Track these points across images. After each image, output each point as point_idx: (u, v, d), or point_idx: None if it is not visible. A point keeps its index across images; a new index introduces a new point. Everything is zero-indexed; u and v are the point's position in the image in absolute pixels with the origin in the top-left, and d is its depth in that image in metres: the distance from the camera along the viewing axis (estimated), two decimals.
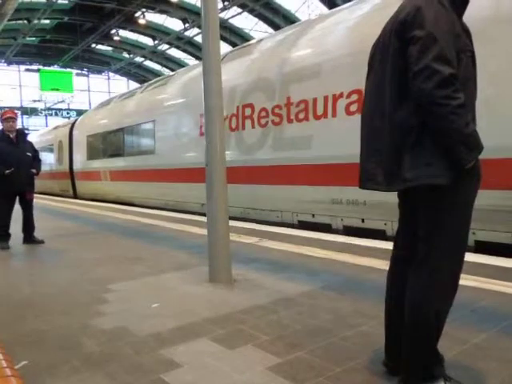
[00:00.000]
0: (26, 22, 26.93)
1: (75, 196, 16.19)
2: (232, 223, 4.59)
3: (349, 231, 5.88)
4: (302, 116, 6.44)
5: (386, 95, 1.73)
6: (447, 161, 1.60)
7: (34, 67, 33.78)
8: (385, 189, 1.74)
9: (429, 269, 1.71)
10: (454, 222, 1.69)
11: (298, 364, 2.08)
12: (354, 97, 5.66)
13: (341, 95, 5.84)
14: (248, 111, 7.45)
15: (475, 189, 1.71)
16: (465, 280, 3.22)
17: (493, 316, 2.59)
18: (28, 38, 30.27)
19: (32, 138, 17.69)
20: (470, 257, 3.93)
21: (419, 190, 1.69)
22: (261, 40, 8.59)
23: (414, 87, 1.59)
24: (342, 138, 5.80)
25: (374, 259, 4.08)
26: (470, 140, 1.58)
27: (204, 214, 4.32)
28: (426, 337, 1.70)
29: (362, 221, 5.73)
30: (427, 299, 1.70)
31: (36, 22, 26.34)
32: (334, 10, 7.48)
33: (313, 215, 6.46)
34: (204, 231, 4.33)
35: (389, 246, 4.54)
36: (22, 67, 35.69)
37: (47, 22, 28.98)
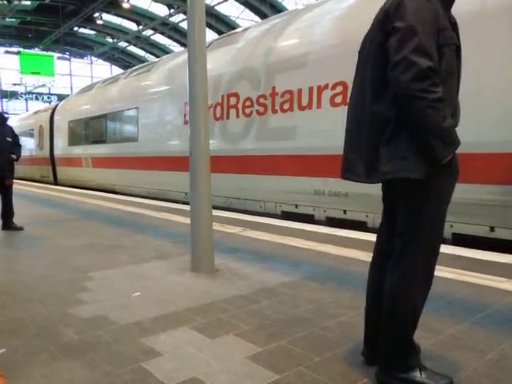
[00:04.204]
0: (5, 2, 26.16)
1: (56, 182, 15.94)
2: (215, 213, 4.58)
3: (331, 222, 5.94)
4: (286, 106, 6.44)
5: (367, 87, 1.73)
6: (422, 155, 1.59)
7: (14, 49, 32.92)
8: (364, 180, 1.75)
9: (404, 264, 1.73)
10: (429, 217, 1.69)
11: (277, 353, 2.11)
12: (339, 88, 5.67)
13: (326, 87, 5.85)
14: (233, 100, 7.41)
15: (452, 184, 1.71)
16: (442, 272, 3.29)
17: (469, 308, 2.65)
18: (8, 19, 29.43)
19: (12, 122, 17.29)
20: (447, 249, 4.02)
21: (397, 183, 1.70)
22: (247, 29, 8.51)
23: (391, 78, 1.59)
24: (326, 130, 5.82)
25: (356, 250, 4.13)
26: (445, 135, 1.56)
27: (187, 203, 4.30)
28: (403, 329, 1.73)
29: (344, 212, 5.79)
30: (403, 294, 1.72)
31: (16, 2, 25.62)
32: (321, 0, 7.45)
33: (296, 206, 6.49)
34: (187, 220, 4.31)
35: (370, 237, 4.62)
36: (2, 49, 34.73)
37: (28, 3, 28.15)
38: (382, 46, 1.66)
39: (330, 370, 1.93)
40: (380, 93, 1.68)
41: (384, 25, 1.66)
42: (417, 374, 1.72)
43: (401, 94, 1.57)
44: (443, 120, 1.55)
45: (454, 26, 1.71)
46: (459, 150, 1.66)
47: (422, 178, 1.61)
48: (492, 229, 4.38)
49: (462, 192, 4.17)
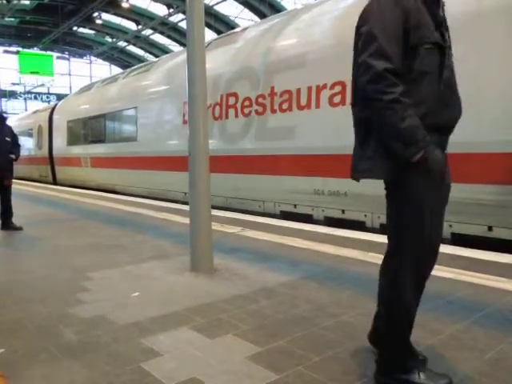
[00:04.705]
0: (4, 1, 26.09)
1: (55, 182, 15.92)
2: (214, 212, 4.59)
3: (330, 222, 5.94)
4: (285, 106, 6.43)
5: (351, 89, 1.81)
6: (387, 155, 1.62)
7: (13, 49, 32.83)
8: (352, 177, 1.80)
9: (392, 265, 1.75)
10: (409, 218, 1.67)
11: (277, 353, 2.11)
12: (338, 88, 5.67)
13: (324, 86, 5.84)
14: (232, 100, 7.41)
15: (430, 185, 1.65)
16: (441, 271, 3.29)
17: (468, 307, 2.65)
18: (7, 19, 29.35)
19: (11, 121, 17.28)
20: (446, 249, 4.02)
21: (384, 183, 1.74)
22: (246, 28, 8.51)
23: (357, 81, 1.67)
24: (325, 129, 5.82)
25: (355, 250, 4.13)
26: (404, 135, 1.56)
27: (187, 203, 4.30)
28: (399, 332, 1.74)
29: (343, 212, 5.79)
30: (395, 296, 1.73)
31: (16, 2, 25.55)
32: (320, 0, 7.45)
33: (295, 205, 6.50)
34: (186, 220, 4.31)
35: (368, 237, 4.62)
36: (1, 49, 34.63)
37: (27, 2, 28.07)
38: (356, 48, 1.73)
39: (329, 370, 1.93)
40: (356, 95, 1.74)
41: (357, 29, 1.73)
42: (416, 375, 1.72)
43: (361, 95, 1.64)
44: (401, 121, 1.54)
45: (439, 24, 1.68)
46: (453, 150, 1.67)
47: (385, 178, 1.66)
48: (490, 228, 4.39)
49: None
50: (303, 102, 6.16)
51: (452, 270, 3.40)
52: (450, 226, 4.61)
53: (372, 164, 1.66)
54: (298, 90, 6.21)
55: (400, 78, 1.56)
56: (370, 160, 1.66)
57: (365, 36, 1.61)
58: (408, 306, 1.73)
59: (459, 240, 4.56)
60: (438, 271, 3.35)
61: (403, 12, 1.59)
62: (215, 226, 4.81)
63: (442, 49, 1.66)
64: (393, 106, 1.54)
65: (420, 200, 1.66)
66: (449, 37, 1.74)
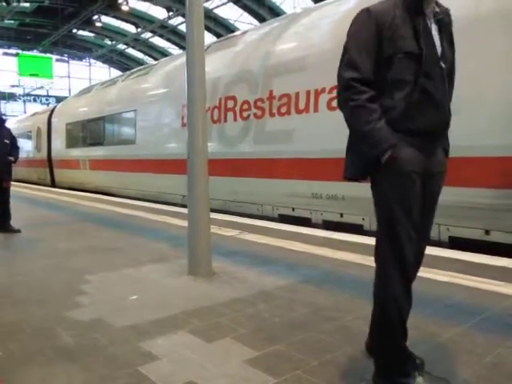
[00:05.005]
0: (4, 4, 26.10)
1: (53, 184, 15.90)
2: (212, 215, 4.58)
3: (328, 225, 5.94)
4: (284, 110, 6.45)
5: None
6: (356, 156, 1.79)
7: (13, 51, 32.86)
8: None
9: (377, 266, 1.80)
10: (382, 215, 1.76)
11: (275, 357, 2.10)
12: (336, 92, 5.67)
13: (323, 90, 5.85)
14: (230, 104, 7.42)
15: (397, 185, 1.71)
16: (438, 275, 3.30)
17: (466, 311, 2.65)
18: (6, 21, 29.38)
19: (10, 124, 17.27)
20: (443, 252, 4.03)
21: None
22: (245, 32, 8.53)
23: None
24: (323, 133, 5.82)
25: (353, 253, 4.13)
26: (368, 137, 1.70)
27: (184, 206, 4.30)
28: (391, 329, 1.75)
29: (341, 215, 5.79)
30: (384, 296, 1.75)
31: (15, 4, 25.56)
32: (319, 4, 7.47)
33: (293, 209, 6.50)
34: (184, 223, 4.31)
35: (367, 240, 4.61)
36: (0, 51, 34.66)
37: (27, 5, 28.10)
38: None
39: (327, 374, 1.93)
40: None
41: None
42: (415, 379, 1.72)
43: (337, 103, 1.83)
44: (366, 124, 1.68)
45: (417, 33, 1.71)
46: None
47: (351, 177, 1.81)
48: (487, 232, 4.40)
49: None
50: (302, 105, 6.17)
51: (450, 273, 3.40)
52: (448, 229, 4.63)
53: (346, 164, 1.83)
54: (297, 94, 6.23)
55: (369, 86, 1.70)
56: (347, 160, 1.83)
57: (343, 49, 1.79)
58: (396, 295, 1.72)
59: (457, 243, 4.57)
60: (435, 275, 3.36)
61: (377, 25, 1.71)
62: (213, 229, 4.80)
63: (419, 57, 1.70)
64: (358, 111, 1.69)
65: (389, 199, 1.73)
66: (432, 44, 1.74)
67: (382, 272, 1.77)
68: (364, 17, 1.75)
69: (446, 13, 1.83)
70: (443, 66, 1.76)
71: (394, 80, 1.71)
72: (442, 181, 1.88)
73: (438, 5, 1.81)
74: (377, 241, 1.81)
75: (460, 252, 4.10)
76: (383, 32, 1.70)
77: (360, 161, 1.77)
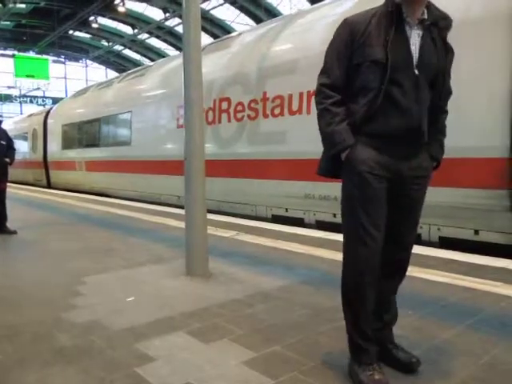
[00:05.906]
0: (0, 5, 26.03)
1: (49, 186, 15.85)
2: (209, 216, 4.57)
3: (321, 226, 5.95)
4: (277, 111, 6.47)
5: None
6: (324, 155, 1.95)
7: (9, 52, 32.73)
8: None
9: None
10: (345, 212, 1.94)
11: (272, 358, 2.10)
12: None
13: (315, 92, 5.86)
14: (225, 105, 7.43)
15: (350, 183, 1.85)
16: (435, 276, 3.30)
17: (463, 311, 2.66)
18: (2, 22, 29.27)
19: (6, 125, 17.21)
20: (439, 253, 4.03)
21: None
22: (240, 33, 8.54)
23: None
24: (315, 134, 5.81)
25: None
26: (327, 137, 1.87)
27: (180, 206, 4.29)
28: (352, 316, 1.95)
29: (334, 216, 5.81)
30: (346, 281, 2.07)
31: (11, 5, 25.48)
32: (315, 5, 7.48)
33: (286, 209, 6.51)
34: (181, 224, 4.30)
35: None
36: None
37: (23, 6, 28.02)
38: None
39: (325, 376, 1.93)
40: None
41: None
42: (360, 370, 1.82)
43: None
44: (328, 126, 1.84)
45: (386, 42, 1.72)
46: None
47: (322, 174, 1.97)
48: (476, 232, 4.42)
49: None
50: (295, 107, 6.19)
51: (446, 274, 3.41)
52: (438, 229, 4.65)
53: (321, 161, 1.98)
54: (290, 96, 6.25)
55: (337, 91, 1.83)
56: (322, 158, 1.98)
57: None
58: (357, 280, 1.98)
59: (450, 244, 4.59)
60: (432, 275, 3.36)
61: (351, 34, 1.80)
62: (210, 230, 4.79)
63: (385, 65, 1.72)
64: (323, 113, 1.86)
65: (348, 196, 1.88)
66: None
67: (345, 271, 2.11)
68: (341, 26, 1.86)
69: (442, 18, 1.80)
70: (417, 73, 1.74)
71: (359, 87, 1.80)
72: (421, 186, 1.88)
73: (430, 11, 1.77)
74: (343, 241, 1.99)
75: (456, 252, 4.11)
76: (354, 41, 1.79)
77: (327, 159, 1.93)
